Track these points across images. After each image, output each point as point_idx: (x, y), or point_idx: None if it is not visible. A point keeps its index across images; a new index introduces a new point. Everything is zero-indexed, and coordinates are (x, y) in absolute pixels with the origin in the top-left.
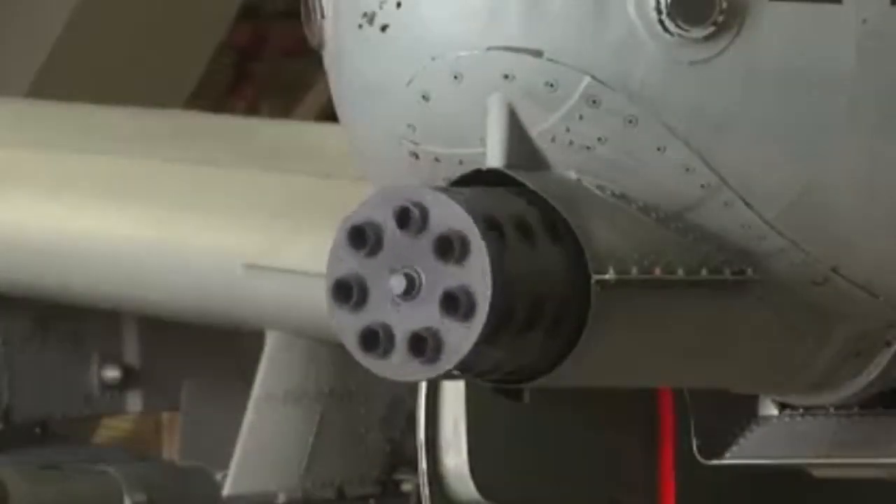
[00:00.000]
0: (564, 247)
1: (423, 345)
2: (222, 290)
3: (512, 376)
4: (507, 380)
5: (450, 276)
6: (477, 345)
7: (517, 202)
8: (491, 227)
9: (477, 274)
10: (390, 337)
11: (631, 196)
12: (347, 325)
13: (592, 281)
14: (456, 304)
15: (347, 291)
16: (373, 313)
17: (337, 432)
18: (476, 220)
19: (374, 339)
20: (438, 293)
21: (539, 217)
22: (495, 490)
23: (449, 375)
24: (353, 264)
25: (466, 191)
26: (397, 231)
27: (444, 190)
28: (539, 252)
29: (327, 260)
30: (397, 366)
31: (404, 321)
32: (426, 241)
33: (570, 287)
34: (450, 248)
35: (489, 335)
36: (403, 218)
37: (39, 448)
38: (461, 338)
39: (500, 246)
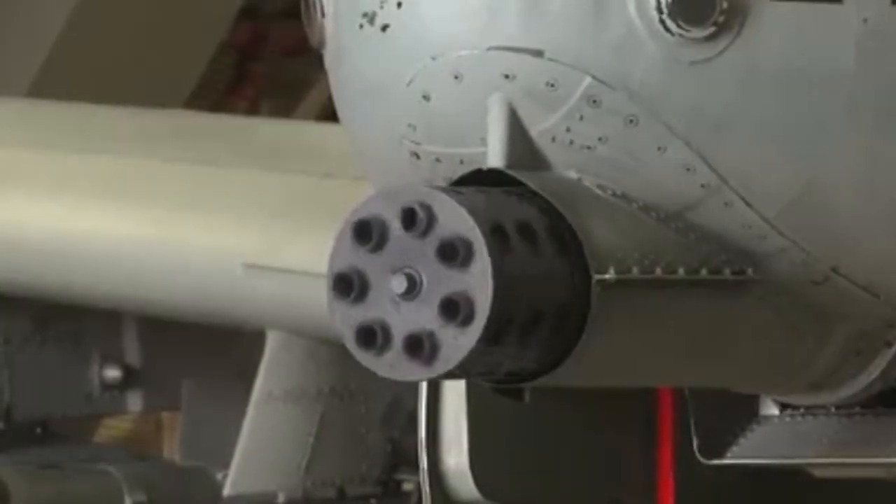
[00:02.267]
0: (565, 247)
1: (420, 347)
2: (222, 289)
3: (512, 376)
4: (508, 379)
5: (451, 281)
6: (473, 350)
7: (521, 206)
8: (496, 234)
9: (478, 281)
10: (387, 335)
11: (631, 196)
12: (346, 319)
13: (593, 281)
14: (455, 309)
15: (348, 285)
16: (371, 309)
17: (337, 432)
18: (482, 228)
19: (372, 337)
20: (438, 297)
21: (540, 218)
22: (496, 489)
23: (447, 375)
24: (356, 259)
25: (473, 193)
26: (402, 231)
27: (451, 193)
28: (541, 256)
29: (330, 252)
30: (393, 365)
31: (402, 321)
32: (430, 244)
33: (571, 288)
34: (453, 253)
35: (487, 341)
36: (410, 218)
37: (40, 448)
38: (458, 343)
39: (504, 253)
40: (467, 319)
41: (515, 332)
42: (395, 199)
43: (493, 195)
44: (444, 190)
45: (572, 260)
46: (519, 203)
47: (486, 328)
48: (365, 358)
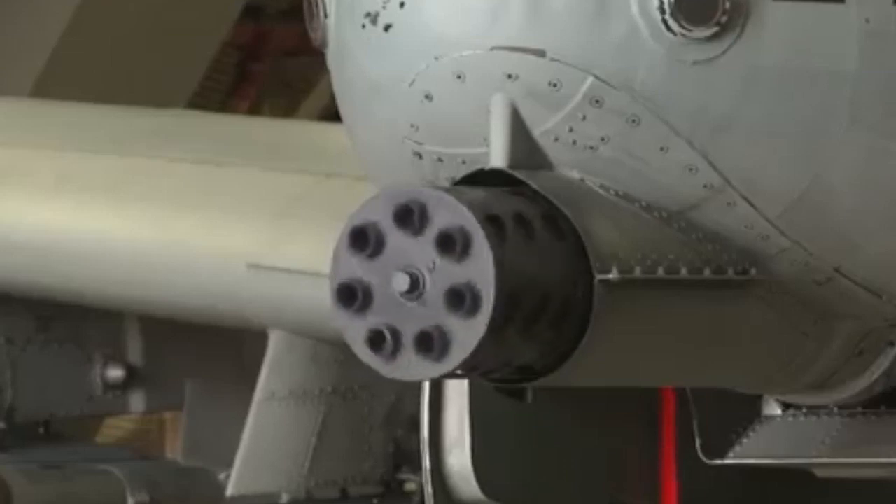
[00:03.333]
0: (567, 246)
1: (431, 342)
2: (225, 289)
3: (516, 376)
4: (511, 379)
5: (453, 273)
6: (483, 339)
7: (517, 199)
8: (492, 222)
9: (480, 268)
10: (397, 337)
11: (634, 195)
12: (353, 329)
13: (595, 281)
14: (461, 299)
15: (352, 295)
16: (378, 315)
17: (340, 432)
18: (477, 215)
19: (381, 341)
20: (442, 290)
21: (541, 216)
22: (498, 489)
23: (455, 375)
24: (356, 267)
25: (466, 189)
26: (398, 231)
27: (443, 188)
28: (541, 246)
29: (330, 264)
30: (405, 366)
31: (410, 320)
32: (427, 239)
33: (574, 284)
34: (452, 243)
35: (495, 329)
36: (403, 216)
37: (42, 447)
38: (468, 333)
39: (502, 240)
40: (474, 307)
41: (522, 321)
42: (386, 201)
43: (487, 190)
44: (436, 187)
45: (574, 260)
46: (515, 197)
47: (494, 314)
48: (377, 363)
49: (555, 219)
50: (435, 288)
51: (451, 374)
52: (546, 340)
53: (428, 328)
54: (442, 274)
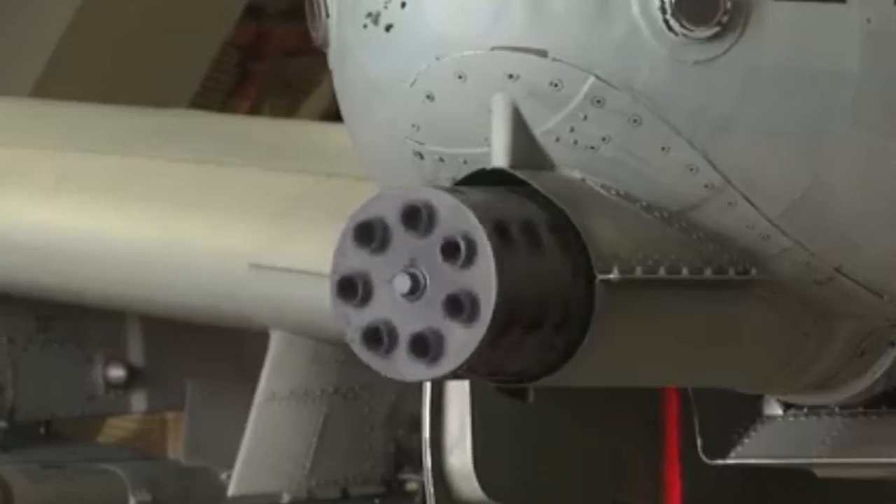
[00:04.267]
0: (569, 247)
1: (426, 346)
2: (226, 289)
3: (517, 375)
4: (512, 379)
5: (455, 279)
6: (479, 347)
7: (524, 205)
8: (498, 232)
9: (482, 278)
10: (393, 336)
11: (635, 195)
12: (351, 322)
13: (596, 281)
14: (460, 307)
15: (352, 288)
16: (377, 311)
17: (341, 432)
18: (485, 225)
19: (378, 337)
20: (443, 295)
21: (544, 218)
22: (500, 489)
23: (454, 374)
24: (359, 261)
25: (474, 192)
26: (405, 230)
27: (453, 192)
28: (544, 255)
29: (333, 255)
30: (399, 365)
31: (408, 321)
32: (433, 243)
33: (575, 288)
34: (456, 251)
35: (492, 338)
36: (412, 218)
37: (44, 447)
38: (464, 341)
39: (507, 251)
40: (472, 316)
41: (520, 330)
42: (396, 199)
43: (495, 194)
44: (445, 189)
45: (576, 260)
46: (521, 202)
47: (491, 325)
48: (372, 360)
49: (556, 220)
50: (435, 292)
51: (448, 376)
52: (545, 345)
53: (424, 331)
54: (443, 279)
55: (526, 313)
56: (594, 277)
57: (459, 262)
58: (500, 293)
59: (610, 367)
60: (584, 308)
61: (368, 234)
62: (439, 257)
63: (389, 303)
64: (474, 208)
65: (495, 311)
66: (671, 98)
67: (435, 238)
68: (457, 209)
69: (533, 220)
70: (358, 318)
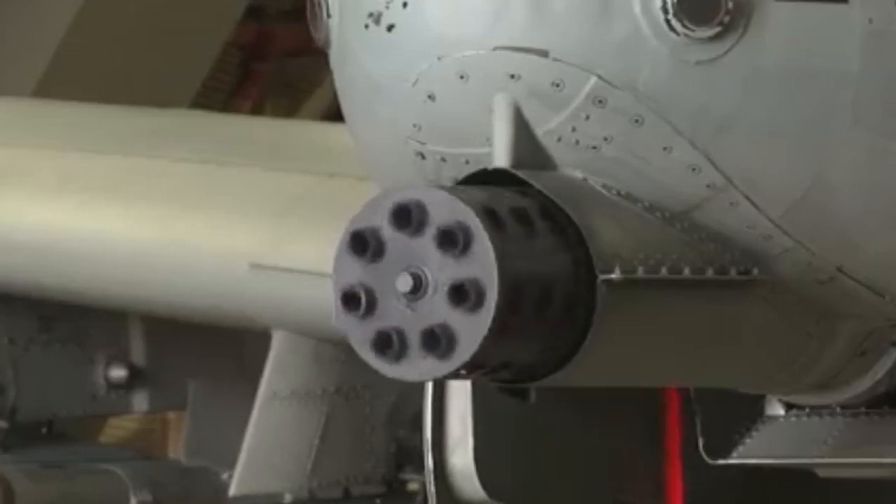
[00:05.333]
0: (570, 246)
1: (436, 340)
2: (228, 289)
3: (519, 376)
4: (514, 379)
5: (455, 269)
6: (489, 335)
7: (516, 196)
8: (491, 217)
9: (482, 263)
10: (403, 338)
11: (637, 195)
12: (359, 334)
13: (598, 280)
14: (464, 295)
15: (355, 300)
16: (383, 319)
17: (343, 432)
18: (476, 211)
19: (388, 343)
20: (445, 287)
21: (541, 213)
22: (501, 489)
23: (465, 370)
24: (358, 272)
25: (467, 188)
26: (397, 232)
27: (439, 186)
28: (543, 243)
29: (333, 270)
30: (412, 366)
31: (415, 320)
32: (427, 237)
33: (576, 284)
34: (452, 240)
35: (500, 324)
36: (402, 216)
37: (45, 447)
38: (473, 328)
39: (503, 234)
40: (478, 303)
41: (525, 314)
42: (383, 203)
43: (486, 188)
44: (433, 186)
45: (577, 260)
46: (514, 194)
47: (498, 307)
48: (384, 366)
49: (556, 217)
50: (438, 286)
51: (456, 374)
52: (549, 338)
53: (433, 326)
54: (444, 271)
55: (530, 295)
56: (596, 277)
57: (457, 250)
58: (502, 274)
59: (611, 367)
60: (585, 308)
61: (362, 243)
62: (436, 251)
63: (394, 307)
64: (464, 198)
65: (499, 293)
66: (673, 98)
67: (429, 233)
68: (447, 201)
69: (526, 209)
70: (365, 329)
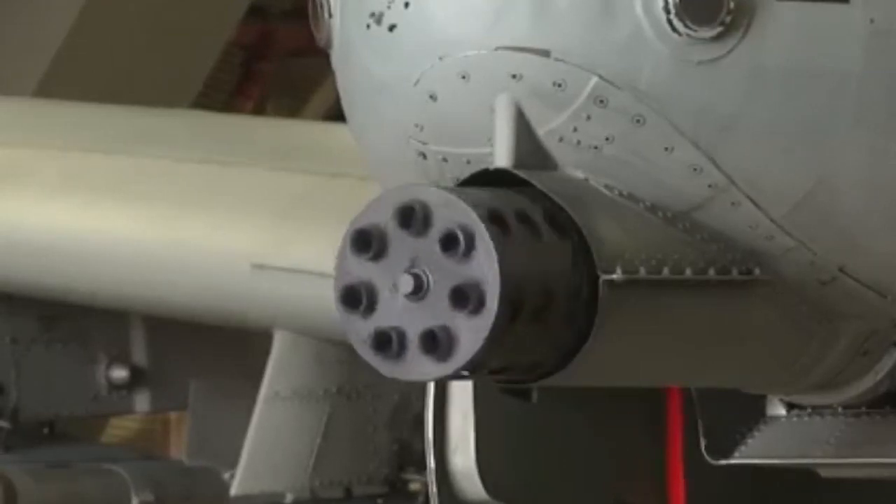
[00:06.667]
0: (572, 246)
1: (436, 342)
2: (230, 289)
3: (521, 376)
4: (516, 379)
5: (457, 272)
6: (489, 338)
7: (520, 198)
8: (495, 221)
9: (484, 266)
10: (402, 338)
11: (638, 195)
12: (359, 331)
13: (600, 280)
14: (465, 298)
15: (356, 298)
16: (383, 317)
17: (344, 432)
18: (480, 214)
19: (387, 342)
20: (447, 289)
21: (545, 215)
22: (503, 489)
23: (465, 371)
24: (360, 270)
25: (468, 189)
26: (401, 232)
27: (444, 187)
28: (545, 245)
29: (335, 267)
30: (411, 366)
31: (415, 321)
32: (431, 239)
33: (578, 284)
34: (455, 242)
35: (500, 328)
36: (406, 217)
37: (47, 447)
38: (473, 332)
39: (506, 238)
40: (479, 306)
41: (527, 318)
42: (387, 202)
43: (490, 190)
44: (438, 186)
45: (579, 260)
46: (519, 196)
47: (499, 311)
48: (383, 365)
49: (558, 218)
50: (439, 288)
51: (457, 375)
52: (551, 340)
53: (433, 327)
54: (446, 273)
55: (532, 299)
56: (598, 277)
57: (459, 253)
58: (504, 278)
59: (613, 367)
60: (587, 308)
61: (365, 242)
62: (439, 252)
63: (395, 307)
64: (468, 200)
65: (501, 297)
66: (675, 98)
67: (432, 234)
68: (450, 203)
69: (531, 212)
70: (366, 327)
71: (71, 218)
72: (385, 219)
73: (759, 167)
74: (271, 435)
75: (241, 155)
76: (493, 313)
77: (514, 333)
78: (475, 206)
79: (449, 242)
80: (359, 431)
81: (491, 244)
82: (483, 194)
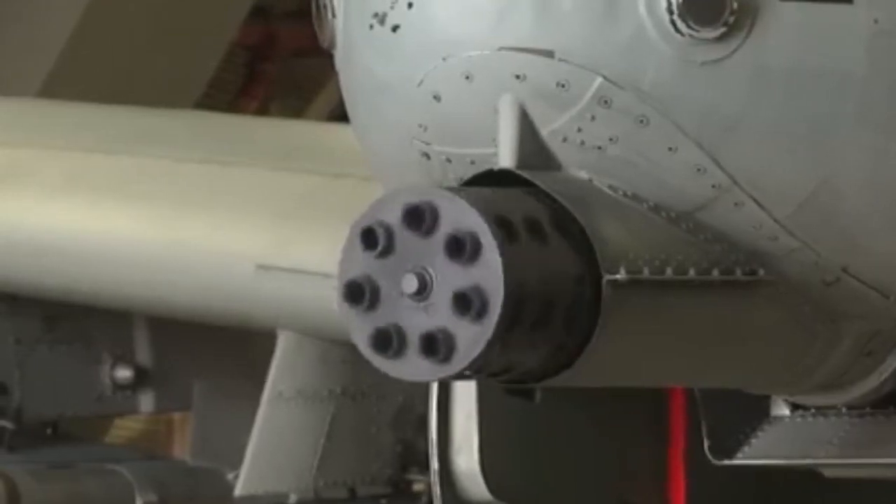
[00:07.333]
0: (575, 246)
1: (436, 345)
2: (234, 290)
3: (525, 376)
4: (519, 380)
5: (461, 276)
6: (489, 345)
7: (528, 202)
8: (502, 227)
9: (489, 273)
10: (402, 337)
11: (642, 196)
12: (360, 327)
13: (604, 281)
14: (468, 304)
15: (359, 293)
16: (385, 314)
17: (348, 432)
18: (487, 220)
19: (387, 340)
20: (450, 293)
21: (550, 217)
22: (506, 490)
23: (464, 374)
24: (365, 265)
25: (477, 190)
26: (408, 231)
27: (454, 190)
28: (550, 252)
29: (339, 262)
30: (409, 366)
31: (417, 322)
32: (437, 241)
33: (582, 287)
34: (461, 247)
35: (502, 335)
36: (414, 218)
37: (51, 448)
38: (473, 338)
39: (512, 245)
40: (481, 313)
41: (528, 325)
42: (397, 201)
43: (498, 192)
44: (446, 188)
45: (583, 260)
46: (526, 200)
47: (500, 319)
48: (382, 363)
49: (563, 220)
50: (443, 291)
51: (457, 376)
52: (553, 343)
53: (433, 330)
54: (450, 277)
55: (534, 307)
56: (601, 278)
57: (464, 258)
58: (507, 287)
59: (617, 367)
60: (591, 308)
61: (372, 238)
62: (444, 256)
63: (397, 305)
64: (476, 205)
65: (504, 306)
66: (678, 98)
67: (439, 237)
68: (459, 207)
69: (538, 218)
70: (367, 323)
71: (73, 218)
72: (393, 217)
73: (763, 167)
74: (275, 435)
75: (243, 155)
76: (494, 322)
77: (516, 339)
78: (483, 211)
79: (454, 247)
80: (363, 432)
81: (497, 252)
82: (492, 197)
